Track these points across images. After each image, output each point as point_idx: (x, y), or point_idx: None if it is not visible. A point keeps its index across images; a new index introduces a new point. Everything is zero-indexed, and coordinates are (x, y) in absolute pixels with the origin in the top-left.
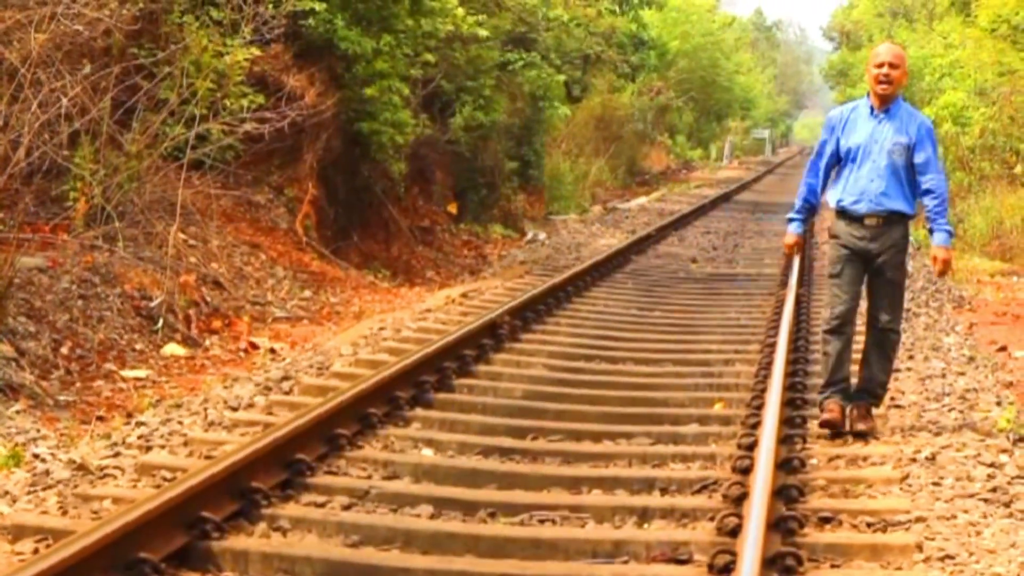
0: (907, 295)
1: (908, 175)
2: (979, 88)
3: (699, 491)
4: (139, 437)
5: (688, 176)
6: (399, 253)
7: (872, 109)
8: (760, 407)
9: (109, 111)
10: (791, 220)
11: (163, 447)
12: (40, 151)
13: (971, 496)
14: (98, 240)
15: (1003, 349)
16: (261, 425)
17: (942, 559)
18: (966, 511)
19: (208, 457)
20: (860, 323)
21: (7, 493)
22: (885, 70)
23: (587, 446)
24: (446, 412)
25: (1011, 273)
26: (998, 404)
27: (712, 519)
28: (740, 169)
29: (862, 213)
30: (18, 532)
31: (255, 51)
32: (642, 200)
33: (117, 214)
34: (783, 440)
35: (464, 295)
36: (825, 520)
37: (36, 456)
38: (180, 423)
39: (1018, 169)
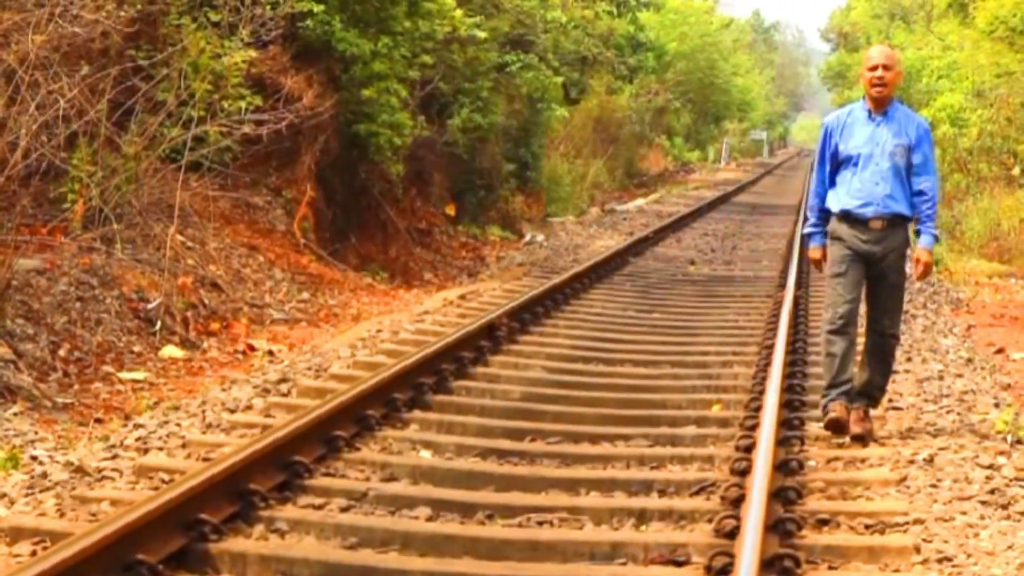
0: (905, 297)
1: (908, 177)
2: (977, 90)
3: (697, 493)
4: (137, 439)
5: (686, 178)
6: (397, 255)
7: (869, 112)
8: (758, 409)
9: (107, 113)
10: (812, 234)
11: (161, 449)
12: (38, 153)
13: (969, 498)
14: (96, 242)
15: (1001, 351)
16: (259, 427)
17: (940, 561)
18: (964, 513)
19: (206, 459)
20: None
21: (5, 495)
22: (879, 72)
23: (585, 448)
24: (444, 414)
25: (1009, 275)
26: (996, 406)
27: (710, 521)
28: (738, 171)
29: (868, 216)
30: (16, 534)
31: (253, 53)
32: (640, 202)
33: (115, 216)
34: (781, 442)
35: (462, 297)
36: (823, 522)
37: (34, 458)
38: (178, 425)
39: (1016, 171)
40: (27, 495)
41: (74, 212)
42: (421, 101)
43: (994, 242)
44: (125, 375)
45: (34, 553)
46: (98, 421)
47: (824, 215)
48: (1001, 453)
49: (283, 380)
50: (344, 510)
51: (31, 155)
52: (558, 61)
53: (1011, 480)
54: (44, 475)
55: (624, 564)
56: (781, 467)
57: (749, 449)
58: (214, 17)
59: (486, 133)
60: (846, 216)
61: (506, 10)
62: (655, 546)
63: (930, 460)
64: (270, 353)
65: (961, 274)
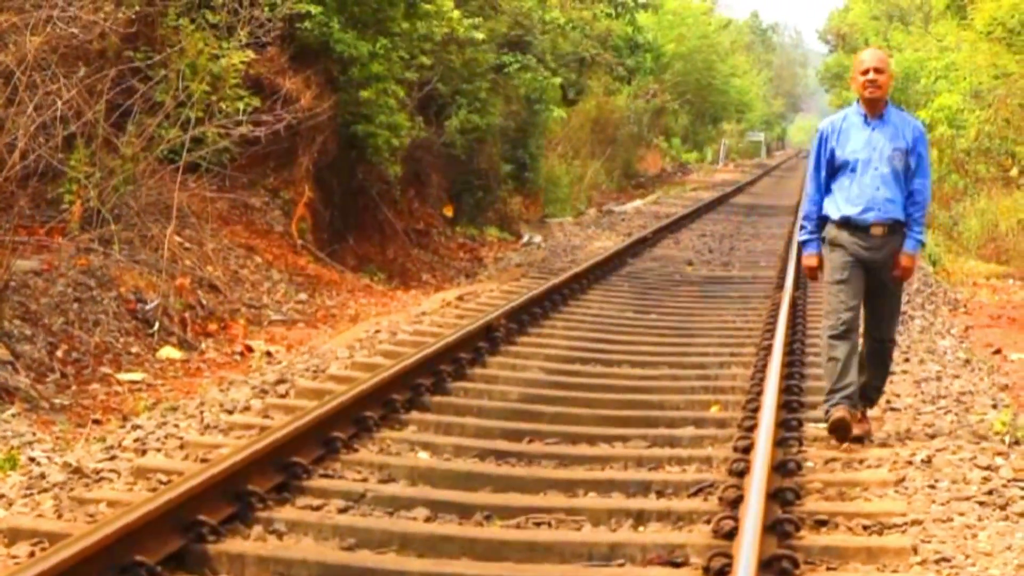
0: (903, 298)
1: (906, 181)
2: (974, 91)
3: (695, 494)
4: (135, 440)
5: (683, 179)
6: (395, 256)
7: (865, 117)
8: (756, 410)
9: (104, 114)
10: (807, 241)
11: (159, 450)
12: (35, 154)
13: (967, 499)
14: (93, 243)
15: (998, 352)
16: (257, 428)
17: (938, 562)
18: (962, 514)
19: (204, 460)
20: None
21: (3, 496)
22: (871, 76)
23: (583, 449)
24: (442, 415)
25: (1006, 276)
26: (994, 407)
27: (708, 522)
28: (736, 172)
29: (870, 222)
30: (13, 535)
31: (251, 54)
32: (638, 203)
33: (112, 217)
34: (779, 443)
35: (460, 298)
36: (821, 523)
37: (32, 459)
38: (176, 426)
39: (1013, 172)
40: (25, 496)
41: (72, 213)
42: (419, 102)
43: (992, 243)
44: (123, 376)
45: (32, 554)
46: (96, 422)
47: (820, 223)
48: (999, 454)
49: (281, 381)
50: (342, 511)
51: (29, 156)
52: (556, 62)
53: (1009, 481)
54: (42, 476)
55: (622, 565)
56: (779, 468)
57: (747, 450)
58: (212, 18)
59: (484, 134)
60: (846, 223)
61: (504, 11)
62: (653, 547)
63: (928, 461)
64: (268, 354)
65: (959, 275)
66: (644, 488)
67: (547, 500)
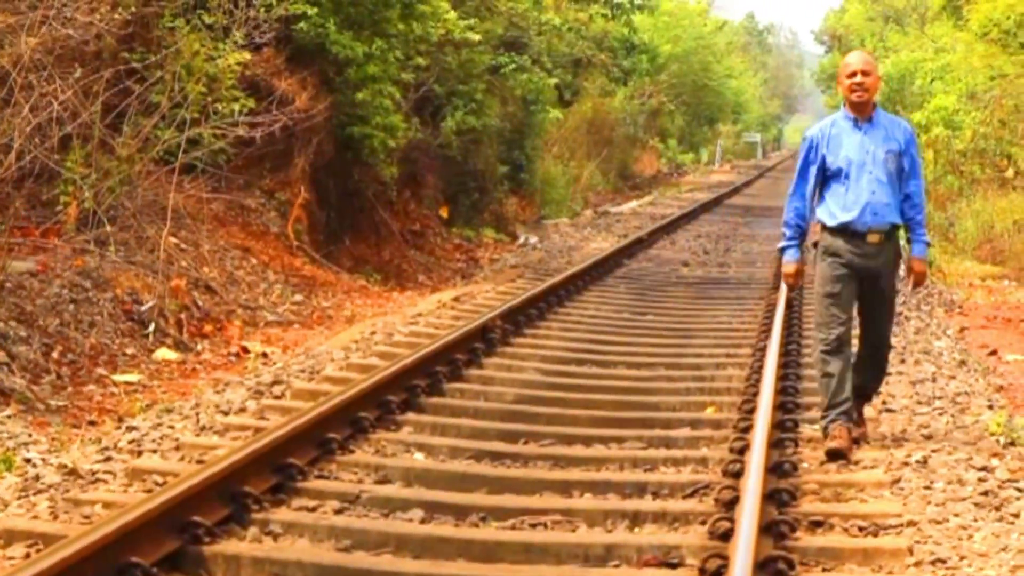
0: (898, 299)
1: (899, 184)
2: (970, 92)
3: (690, 495)
4: (130, 441)
5: (679, 180)
6: (390, 257)
7: (855, 121)
8: (752, 411)
9: (100, 115)
10: (786, 248)
11: (154, 451)
12: (31, 155)
13: (962, 500)
14: (89, 244)
15: (994, 353)
16: (252, 429)
17: (933, 563)
18: (957, 515)
19: (199, 461)
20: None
21: None
22: (859, 79)
23: (579, 450)
24: (437, 416)
25: (1002, 277)
26: (989, 408)
27: (703, 523)
28: (731, 173)
29: (867, 228)
30: (9, 537)
31: (246, 55)
32: (633, 204)
33: (108, 218)
34: (774, 444)
35: (455, 299)
36: (817, 524)
37: (27, 461)
38: (171, 427)
39: (1009, 173)
40: (20, 497)
41: (67, 214)
42: (415, 103)
43: (987, 244)
44: (118, 377)
45: (28, 556)
46: (91, 423)
47: (800, 231)
48: (994, 455)
49: (277, 382)
50: (338, 512)
51: (24, 157)
52: (552, 63)
53: (1004, 482)
54: (37, 477)
55: (618, 566)
56: (775, 469)
57: (743, 451)
58: (208, 19)
59: (480, 135)
60: (843, 230)
61: (500, 12)
62: (649, 548)
63: (923, 462)
64: (264, 355)
65: (954, 276)
66: (640, 489)
67: (543, 501)
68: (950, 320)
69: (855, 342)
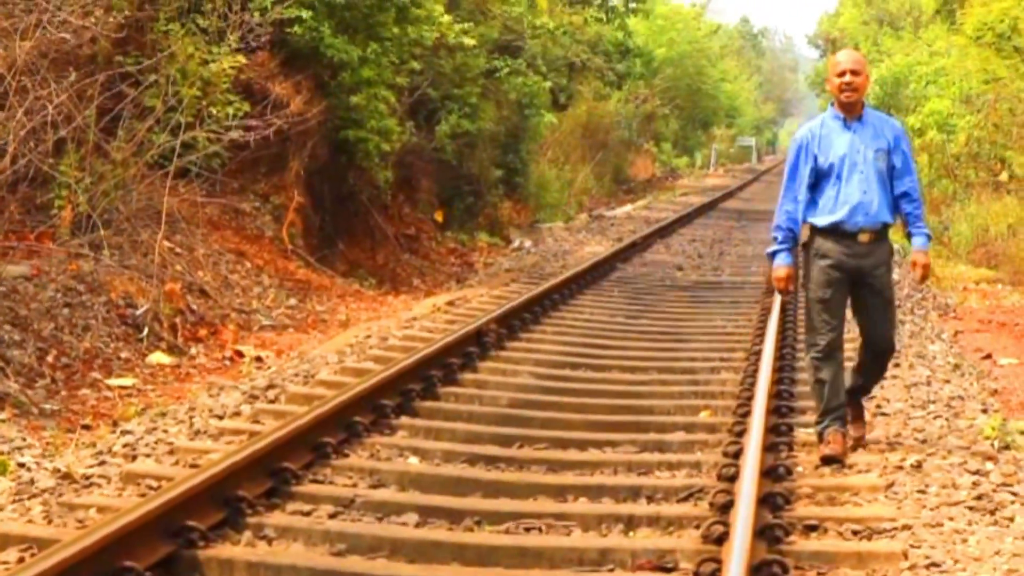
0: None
1: (889, 182)
2: (964, 96)
3: (685, 499)
4: (124, 446)
5: (674, 184)
6: (385, 261)
7: (844, 120)
8: (746, 415)
9: (95, 119)
10: (777, 252)
11: (148, 456)
12: (26, 159)
13: (957, 504)
14: (83, 248)
15: (988, 357)
16: (247, 433)
17: (928, 567)
18: (952, 519)
19: (194, 466)
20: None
21: None
22: (848, 78)
23: (573, 454)
24: (432, 420)
25: (996, 280)
26: (983, 412)
27: (698, 527)
28: (726, 177)
29: (858, 228)
30: (3, 541)
31: (241, 59)
32: (628, 208)
33: (103, 222)
34: (769, 448)
35: (450, 303)
36: (811, 528)
37: (21, 465)
38: (166, 431)
39: (1003, 176)
40: (14, 502)
41: (62, 218)
42: (409, 107)
43: (982, 248)
44: (113, 381)
45: (22, 560)
46: (86, 427)
47: (791, 234)
48: (989, 459)
49: (271, 386)
50: (332, 516)
51: (19, 161)
52: (546, 67)
53: (998, 486)
54: (31, 482)
55: (612, 571)
56: (769, 473)
57: (737, 455)
58: (202, 23)
59: (474, 139)
60: (833, 230)
61: (494, 16)
62: (643, 552)
63: (918, 466)
64: (258, 359)
65: (949, 280)
66: (634, 493)
67: (537, 505)
68: (944, 324)
69: (848, 346)
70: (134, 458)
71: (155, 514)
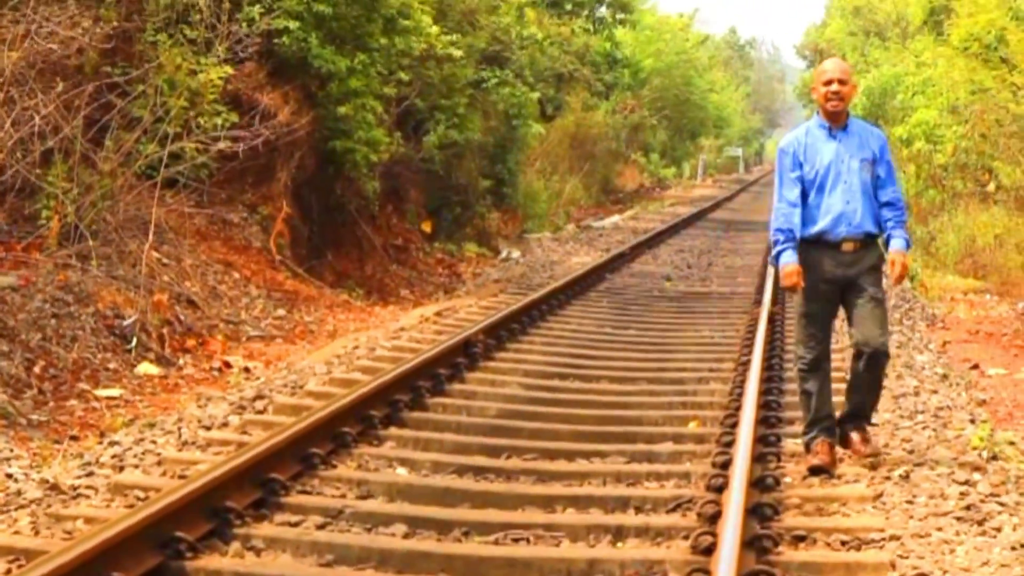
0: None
1: (874, 192)
2: (952, 106)
3: (673, 509)
4: (112, 456)
5: (662, 194)
6: (373, 271)
7: (829, 129)
8: (734, 425)
9: (82, 129)
10: (782, 251)
11: (136, 466)
12: (13, 169)
13: (945, 514)
14: (71, 259)
15: (976, 367)
16: (235, 444)
17: None
18: (940, 529)
19: (182, 476)
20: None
21: None
22: (835, 87)
23: (561, 465)
24: (420, 431)
25: (984, 291)
26: (971, 422)
27: (686, 537)
28: (714, 187)
29: (841, 238)
30: None
31: (229, 69)
32: (616, 218)
33: (90, 233)
34: (757, 458)
35: (438, 314)
36: (799, 538)
37: (8, 476)
38: (153, 442)
39: (990, 187)
40: (2, 513)
41: (49, 229)
42: (397, 118)
43: (969, 258)
44: (100, 392)
45: (9, 571)
46: (73, 438)
47: (793, 235)
48: (976, 469)
49: (259, 397)
50: (320, 527)
51: (6, 172)
52: (534, 77)
53: (986, 496)
54: (19, 493)
55: None
56: (757, 484)
57: (725, 466)
58: (190, 34)
59: (462, 150)
60: (817, 240)
61: (482, 27)
62: (631, 563)
63: (906, 476)
64: (246, 370)
65: (936, 290)
66: (623, 504)
67: (526, 516)
68: (932, 334)
69: (836, 355)
70: (122, 469)
71: (143, 525)
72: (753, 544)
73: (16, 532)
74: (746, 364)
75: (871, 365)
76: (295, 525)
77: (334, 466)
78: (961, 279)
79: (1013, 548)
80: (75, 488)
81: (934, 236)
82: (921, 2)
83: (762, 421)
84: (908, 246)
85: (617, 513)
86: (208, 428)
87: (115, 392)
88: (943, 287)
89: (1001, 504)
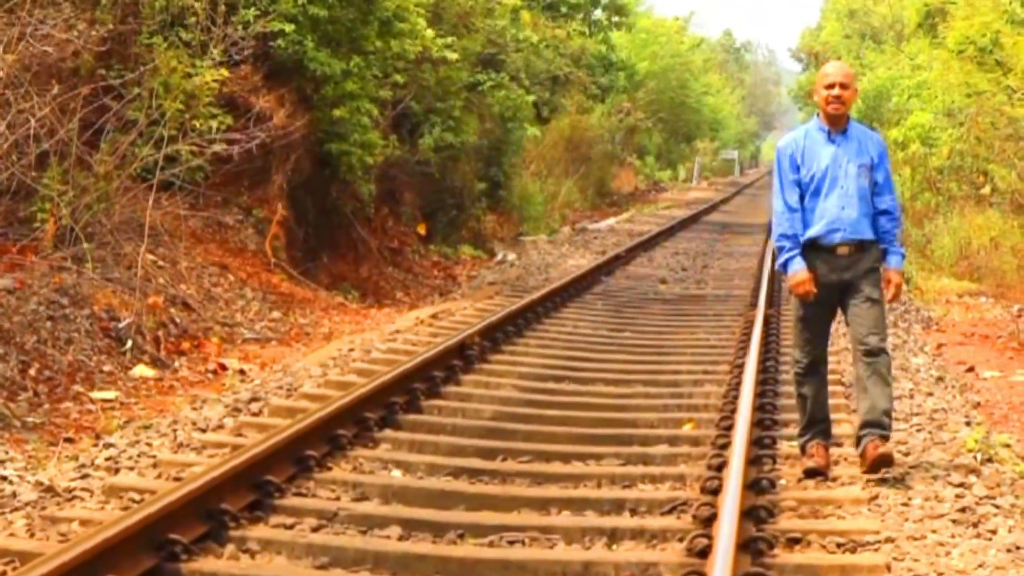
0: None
1: (870, 197)
2: (947, 109)
3: (668, 512)
4: (107, 459)
5: (657, 197)
6: (368, 274)
7: (828, 133)
8: (730, 428)
9: (78, 132)
10: (790, 259)
11: (131, 469)
12: (8, 172)
13: (940, 516)
14: (66, 261)
15: (971, 369)
16: (230, 447)
17: None
18: (935, 531)
19: (177, 479)
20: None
21: None
22: (836, 91)
23: (556, 467)
24: (415, 433)
25: (979, 293)
26: (967, 424)
27: (681, 540)
28: (709, 190)
29: (835, 243)
30: None
31: (224, 72)
32: (611, 221)
33: (86, 235)
34: (752, 461)
35: (433, 316)
36: (795, 541)
37: (3, 478)
38: (149, 445)
39: (986, 190)
40: None
41: (45, 231)
42: (393, 120)
43: (964, 261)
44: (96, 394)
45: (3, 573)
46: (68, 441)
47: (798, 239)
48: (972, 471)
49: (254, 399)
50: (315, 530)
51: (1, 174)
52: (530, 80)
53: (982, 498)
54: (13, 495)
55: None
56: (753, 486)
57: (721, 468)
58: (185, 36)
59: (458, 152)
60: (812, 244)
61: (478, 30)
62: (626, 565)
63: (901, 479)
64: (241, 372)
65: (931, 293)
66: (618, 506)
67: (521, 518)
68: (927, 337)
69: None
70: (117, 471)
71: (138, 527)
72: (748, 546)
73: (11, 534)
74: (741, 367)
75: (873, 365)
76: (290, 527)
77: (329, 468)
78: (956, 282)
79: (1008, 550)
80: (70, 490)
81: (929, 239)
82: (916, 5)
83: (757, 424)
84: (903, 260)
85: (612, 515)
86: (203, 430)
87: (110, 394)
88: (938, 290)
89: (996, 506)
